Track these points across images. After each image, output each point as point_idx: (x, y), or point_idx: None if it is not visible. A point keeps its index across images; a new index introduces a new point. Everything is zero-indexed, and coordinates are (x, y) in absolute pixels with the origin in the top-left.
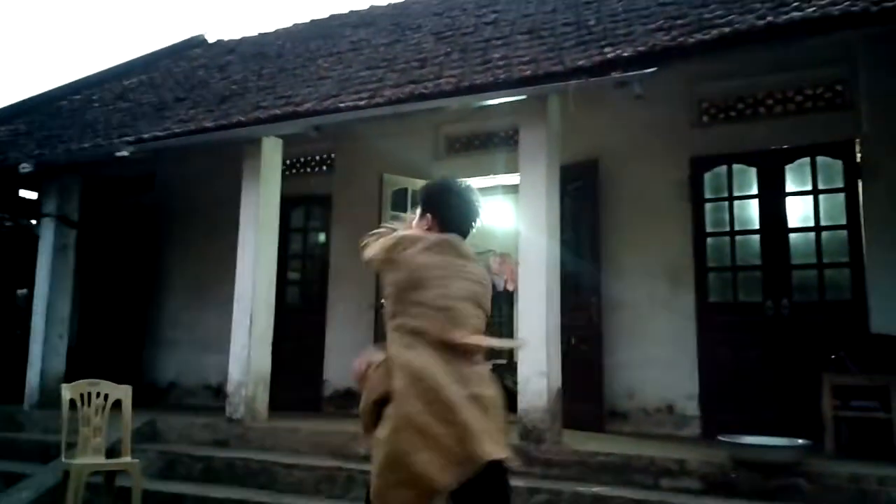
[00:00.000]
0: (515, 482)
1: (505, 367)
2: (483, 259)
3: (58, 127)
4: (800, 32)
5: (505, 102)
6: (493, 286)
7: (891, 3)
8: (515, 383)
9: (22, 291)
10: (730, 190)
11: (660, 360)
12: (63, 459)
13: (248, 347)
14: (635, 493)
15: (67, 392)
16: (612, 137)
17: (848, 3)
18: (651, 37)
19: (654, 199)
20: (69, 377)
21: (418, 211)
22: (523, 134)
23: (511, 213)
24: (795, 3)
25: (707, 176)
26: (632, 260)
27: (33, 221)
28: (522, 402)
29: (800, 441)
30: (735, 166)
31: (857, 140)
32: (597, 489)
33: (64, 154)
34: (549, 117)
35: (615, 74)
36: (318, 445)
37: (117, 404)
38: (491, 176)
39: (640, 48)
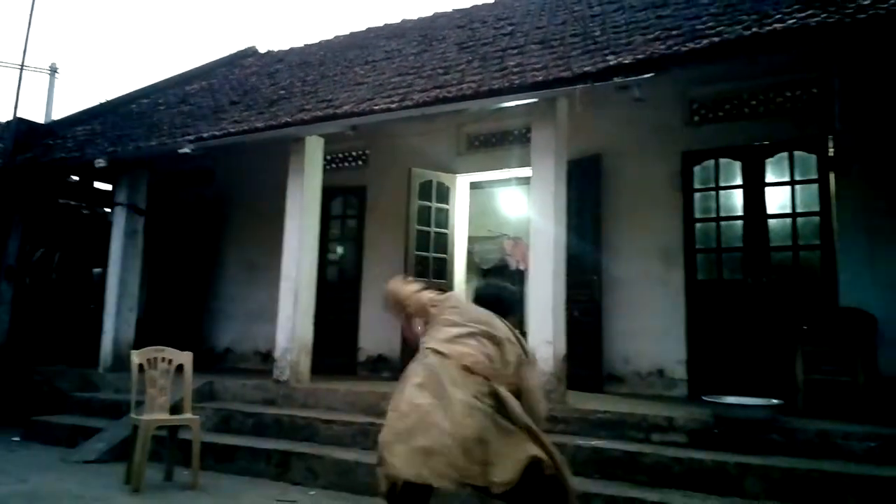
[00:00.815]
0: None
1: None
2: (499, 242)
3: (128, 127)
4: (781, 42)
5: (519, 104)
6: (507, 265)
7: (862, 16)
8: None
9: (97, 270)
10: (717, 181)
11: (653, 330)
12: (132, 416)
13: (292, 319)
14: (629, 446)
15: (136, 357)
16: (613, 135)
17: (825, 15)
18: (649, 46)
19: (649, 189)
20: (138, 345)
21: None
22: (535, 132)
23: (523, 202)
24: (778, 16)
25: (697, 169)
26: (629, 242)
27: (107, 210)
28: None
29: (774, 401)
30: (721, 160)
31: (830, 136)
32: (595, 442)
33: (133, 150)
34: (557, 117)
35: (617, 79)
36: (353, 404)
37: (180, 368)
38: (506, 169)
39: (640, 56)
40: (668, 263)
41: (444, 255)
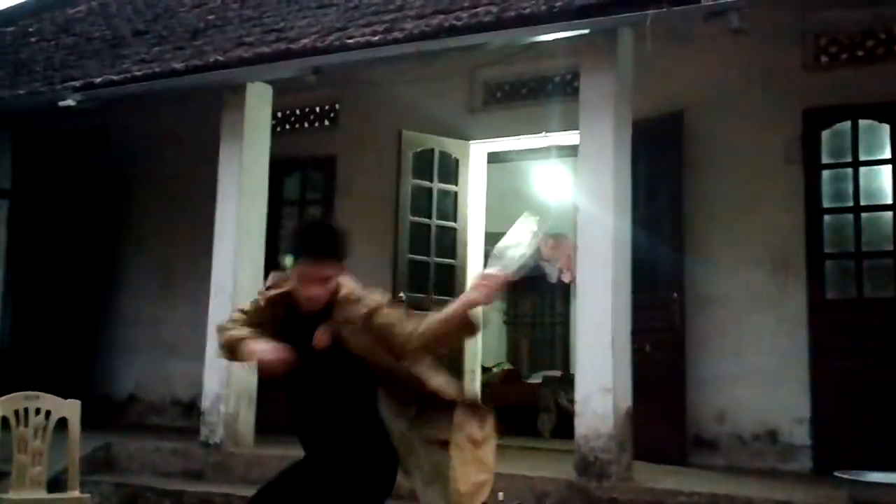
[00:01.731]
0: None
1: (559, 380)
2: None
3: None
4: None
5: (562, 38)
6: (545, 276)
7: None
8: (572, 402)
9: None
10: (854, 153)
11: (760, 373)
12: None
13: None
14: None
15: None
16: (700, 85)
17: None
18: None
19: (754, 163)
20: (1, 388)
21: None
22: (585, 80)
23: (567, 183)
24: None
25: (825, 134)
26: (725, 244)
27: None
28: (581, 426)
29: None
30: (862, 122)
31: None
32: None
33: None
34: (618, 59)
35: (706, 1)
36: None
37: (62, 423)
38: (542, 134)
39: None
40: (783, 274)
41: (452, 260)
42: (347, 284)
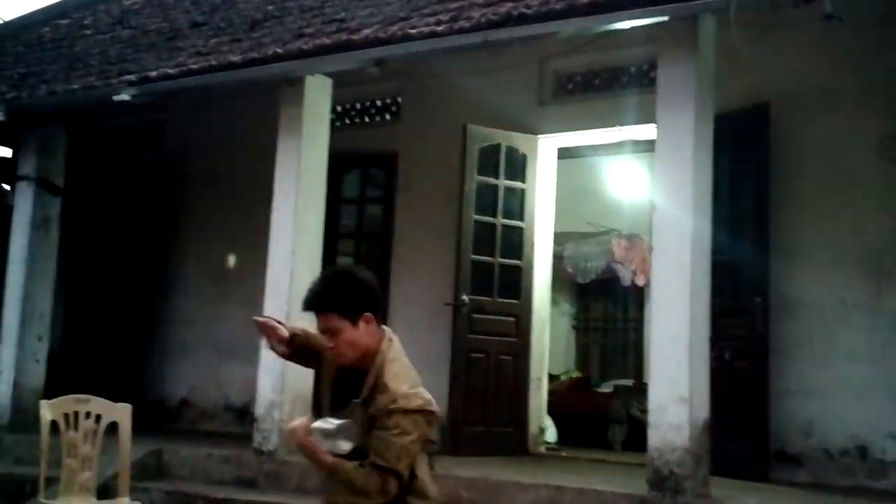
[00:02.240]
0: None
1: (631, 390)
2: (605, 242)
3: (38, 62)
4: None
5: (638, 26)
6: (617, 276)
7: None
8: (645, 412)
9: None
10: None
11: (851, 384)
12: (41, 500)
13: None
14: None
15: (48, 411)
16: (789, 75)
17: None
18: None
19: (848, 159)
20: (50, 391)
21: (345, 322)
22: (663, 70)
23: (643, 180)
24: None
25: None
26: (814, 245)
27: (6, 186)
28: (654, 439)
29: None
30: None
31: None
32: None
33: (45, 96)
34: (700, 48)
35: None
36: None
37: (112, 428)
38: (616, 127)
39: None
40: (879, 278)
41: (518, 262)
42: (388, 355)
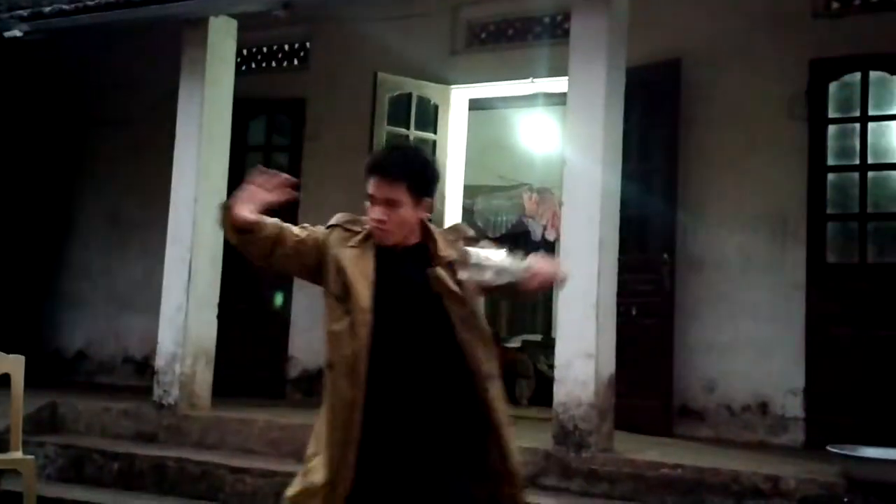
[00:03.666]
0: (546, 501)
1: (539, 345)
2: (515, 195)
3: None
4: None
5: None
6: (528, 230)
7: None
8: (551, 367)
9: None
10: (863, 107)
11: (753, 341)
12: None
13: (185, 309)
14: None
15: None
16: (700, 30)
17: None
18: None
19: (756, 117)
20: None
21: (411, 198)
22: (576, 21)
23: (554, 133)
24: None
25: (832, 87)
26: (721, 203)
27: None
28: (560, 393)
29: None
30: (872, 74)
31: None
32: None
33: None
34: (613, 0)
35: None
36: (277, 443)
37: (5, 380)
38: (528, 80)
39: None
40: (782, 237)
41: (426, 215)
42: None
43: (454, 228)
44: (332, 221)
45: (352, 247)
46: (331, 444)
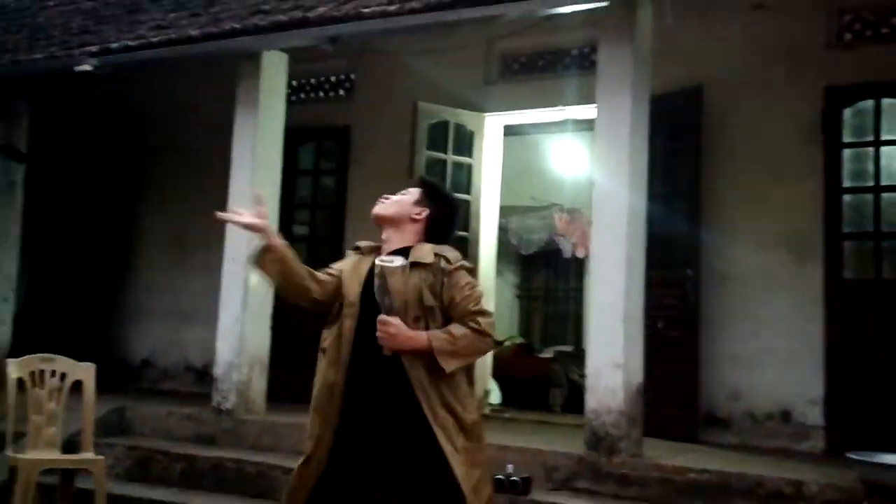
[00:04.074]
0: (579, 503)
1: (570, 356)
2: (547, 216)
3: (1, 31)
4: None
5: (579, 10)
6: (558, 249)
7: None
8: (583, 376)
9: None
10: (877, 131)
11: (775, 352)
12: (8, 454)
13: (241, 321)
14: None
15: (14, 369)
16: (720, 60)
17: None
18: None
19: (774, 141)
20: (16, 351)
21: (418, 197)
22: (603, 53)
23: (583, 157)
24: None
25: (847, 112)
26: (742, 222)
27: None
28: (591, 401)
29: None
30: (885, 101)
31: None
32: None
33: (8, 66)
34: (637, 31)
35: None
36: None
37: (77, 386)
38: (558, 108)
39: None
40: (801, 254)
41: (464, 233)
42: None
43: (444, 251)
44: (356, 244)
45: (356, 255)
46: (313, 424)
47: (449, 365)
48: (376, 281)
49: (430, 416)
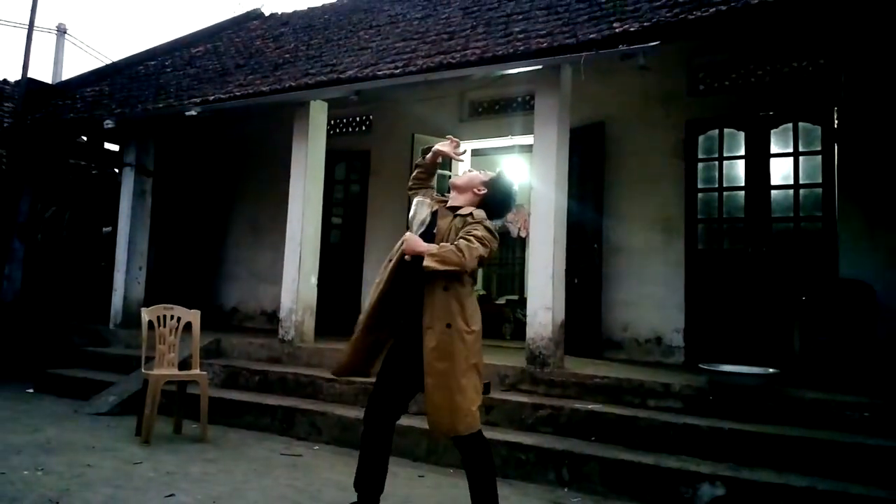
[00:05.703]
0: (521, 399)
1: (516, 302)
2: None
3: (136, 89)
4: (787, 10)
5: (523, 71)
6: (508, 232)
7: None
8: (525, 315)
9: (107, 229)
10: (720, 151)
11: (652, 298)
12: (143, 371)
13: (297, 280)
14: (625, 411)
15: (146, 314)
16: (617, 103)
17: None
18: (655, 13)
19: (652, 158)
20: (147, 302)
21: (487, 180)
22: (538, 99)
23: (525, 170)
24: None
25: (700, 138)
26: (631, 211)
27: (116, 170)
28: (530, 332)
29: (771, 370)
30: (726, 130)
31: (836, 108)
32: (592, 406)
33: (140, 112)
34: (561, 85)
35: (622, 47)
36: None
37: (188, 326)
38: (509, 137)
39: (645, 23)
40: (670, 233)
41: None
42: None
43: (477, 212)
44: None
45: (428, 199)
46: (357, 327)
47: (428, 262)
48: (429, 217)
49: (426, 319)
